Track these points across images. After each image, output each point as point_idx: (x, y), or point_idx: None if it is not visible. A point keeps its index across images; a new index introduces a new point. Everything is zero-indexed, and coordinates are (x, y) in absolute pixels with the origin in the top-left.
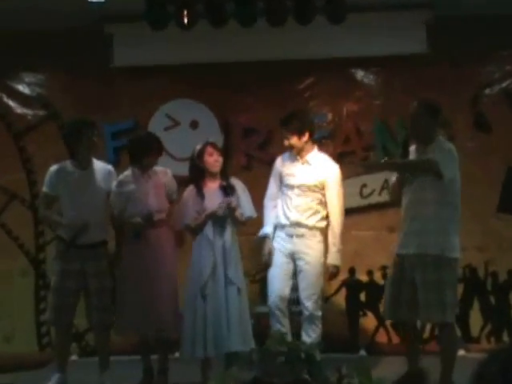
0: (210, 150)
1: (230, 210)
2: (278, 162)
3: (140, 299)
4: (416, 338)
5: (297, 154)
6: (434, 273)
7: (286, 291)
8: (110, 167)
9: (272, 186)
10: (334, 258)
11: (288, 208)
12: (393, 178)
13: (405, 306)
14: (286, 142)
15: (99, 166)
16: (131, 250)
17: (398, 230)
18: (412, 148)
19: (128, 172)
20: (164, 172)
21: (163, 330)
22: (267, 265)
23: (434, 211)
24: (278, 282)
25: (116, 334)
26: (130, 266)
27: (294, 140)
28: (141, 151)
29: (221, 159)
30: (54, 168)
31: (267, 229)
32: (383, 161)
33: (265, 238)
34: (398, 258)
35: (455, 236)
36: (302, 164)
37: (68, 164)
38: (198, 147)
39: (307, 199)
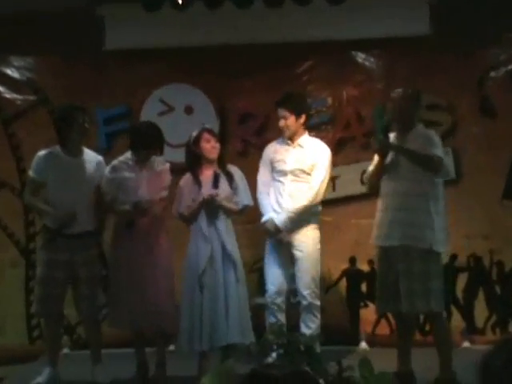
0: (206, 136)
1: (215, 203)
2: (269, 148)
3: (134, 292)
4: (407, 331)
5: (289, 137)
6: (419, 264)
7: (283, 284)
8: (100, 157)
9: (264, 174)
10: (280, 220)
11: (281, 195)
12: (370, 166)
13: (394, 298)
14: (282, 123)
15: (90, 155)
16: (123, 241)
17: (376, 220)
18: (392, 134)
19: (123, 158)
20: (161, 163)
21: (160, 326)
22: (283, 241)
23: (424, 204)
24: (274, 272)
25: (109, 326)
26: (123, 257)
27: (291, 121)
28: (140, 143)
29: (218, 146)
30: (42, 153)
31: (270, 214)
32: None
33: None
34: (382, 250)
35: (443, 229)
36: (294, 148)
37: (58, 149)
38: (195, 133)
39: (301, 185)
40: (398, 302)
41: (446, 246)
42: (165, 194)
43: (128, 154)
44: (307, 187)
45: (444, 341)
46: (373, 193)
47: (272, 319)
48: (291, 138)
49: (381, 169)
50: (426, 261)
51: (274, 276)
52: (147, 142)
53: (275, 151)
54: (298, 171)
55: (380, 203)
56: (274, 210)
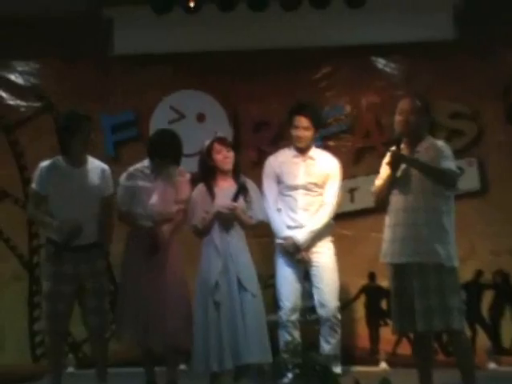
0: (217, 147)
1: (232, 216)
2: (272, 161)
3: (144, 307)
4: (426, 351)
5: (302, 150)
6: (433, 280)
7: (298, 300)
8: (104, 166)
9: (271, 188)
10: (301, 239)
11: (294, 211)
12: (377, 180)
13: (411, 317)
14: (301, 132)
15: (94, 164)
16: (135, 254)
17: (385, 236)
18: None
19: (139, 165)
20: (180, 172)
21: (172, 343)
22: (306, 261)
23: (436, 218)
24: (288, 289)
25: (117, 341)
26: (134, 270)
27: (310, 132)
28: (157, 152)
29: (231, 155)
30: (44, 164)
31: (287, 232)
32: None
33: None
34: (394, 268)
35: (454, 244)
36: (304, 161)
37: (60, 160)
38: (206, 143)
39: (314, 199)
40: (414, 321)
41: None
42: (181, 206)
43: (145, 162)
44: (320, 200)
45: (466, 360)
46: (380, 209)
47: (287, 337)
48: (305, 150)
49: (390, 183)
50: (440, 276)
51: (288, 292)
52: (164, 150)
53: (282, 164)
54: (311, 185)
55: (388, 219)
56: (288, 227)
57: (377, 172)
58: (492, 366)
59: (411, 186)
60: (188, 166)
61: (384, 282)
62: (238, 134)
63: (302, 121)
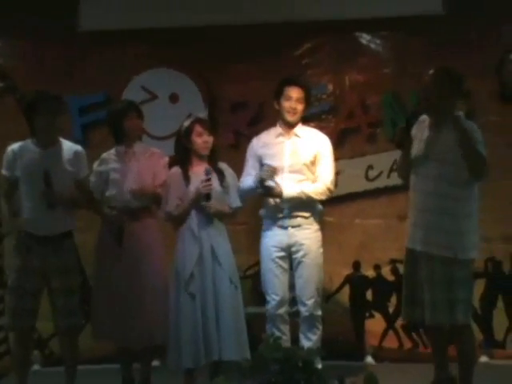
0: (199, 129)
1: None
2: (255, 143)
3: (121, 301)
4: (440, 340)
5: (288, 127)
6: (442, 272)
7: (286, 292)
8: (78, 147)
9: (250, 171)
10: (289, 190)
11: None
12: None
13: (420, 306)
14: (294, 104)
15: (66, 145)
16: (109, 245)
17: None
18: (424, 123)
19: (113, 150)
20: (157, 154)
21: (150, 339)
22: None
23: (452, 206)
24: (274, 281)
25: (93, 338)
26: (108, 262)
27: (302, 106)
28: (116, 117)
29: (211, 139)
30: (12, 147)
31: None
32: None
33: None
34: (408, 252)
35: (473, 235)
36: (289, 139)
37: (29, 143)
38: (186, 124)
39: (298, 182)
40: (421, 311)
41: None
42: (158, 191)
43: (121, 146)
44: (310, 183)
45: (469, 356)
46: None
47: (275, 332)
48: (289, 128)
49: (406, 162)
50: (449, 269)
51: (276, 284)
52: (119, 111)
53: (265, 145)
54: (297, 166)
55: (411, 198)
56: (274, 218)
57: (361, 155)
58: (484, 359)
59: (429, 169)
60: (161, 150)
61: (369, 272)
62: (213, 115)
63: (296, 91)
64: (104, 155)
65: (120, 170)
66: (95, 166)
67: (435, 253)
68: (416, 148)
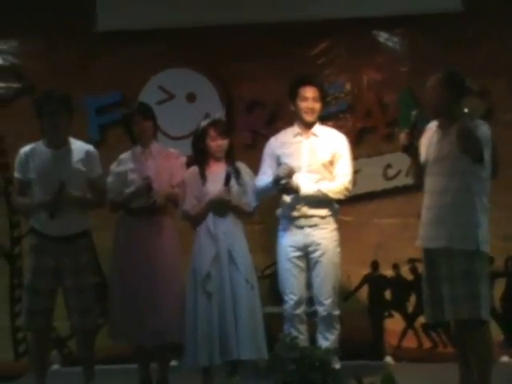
0: (212, 133)
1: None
2: (273, 142)
3: (138, 301)
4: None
5: (306, 126)
6: (463, 266)
7: (304, 292)
8: (89, 147)
9: (266, 171)
10: (306, 187)
11: (295, 197)
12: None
13: (441, 305)
14: (310, 104)
15: (77, 145)
16: (126, 244)
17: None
18: (432, 125)
19: (130, 151)
20: (175, 154)
21: (168, 338)
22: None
23: (469, 200)
24: (291, 281)
25: (110, 338)
26: (124, 261)
27: (319, 105)
28: (125, 122)
29: (225, 143)
30: (24, 149)
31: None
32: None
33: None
34: (425, 252)
35: (486, 228)
36: (307, 138)
37: (40, 144)
38: (202, 126)
39: (316, 182)
40: (443, 309)
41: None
42: (176, 190)
43: (137, 147)
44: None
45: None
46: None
47: (293, 332)
48: (307, 127)
49: (416, 166)
50: (469, 262)
51: (294, 284)
52: (130, 114)
53: (283, 144)
54: (316, 165)
55: (424, 200)
56: (292, 217)
57: (379, 154)
58: (504, 359)
59: (442, 167)
60: (178, 149)
61: (388, 271)
62: (230, 114)
63: (312, 91)
64: (122, 156)
65: (138, 170)
66: (113, 166)
67: (455, 246)
68: (427, 152)
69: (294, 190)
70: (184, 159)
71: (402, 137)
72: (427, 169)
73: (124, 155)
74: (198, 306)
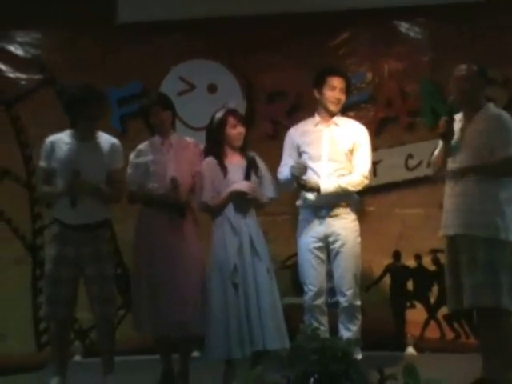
0: (232, 121)
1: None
2: (293, 132)
3: (161, 292)
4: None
5: (328, 115)
6: (483, 253)
7: (324, 283)
8: (115, 140)
9: (287, 161)
10: (326, 185)
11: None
12: (437, 148)
13: (463, 293)
14: (338, 94)
15: (103, 138)
16: (148, 235)
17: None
18: (458, 116)
19: (147, 141)
20: (193, 144)
21: (189, 329)
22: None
23: (491, 189)
24: (312, 272)
25: (134, 329)
26: (145, 252)
27: (344, 96)
28: (143, 113)
29: (244, 131)
30: (50, 139)
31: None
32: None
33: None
34: (448, 240)
35: (510, 215)
36: (328, 127)
37: (67, 135)
38: (219, 115)
39: (340, 171)
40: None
41: None
42: (197, 179)
43: (156, 137)
44: (347, 172)
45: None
46: (438, 180)
47: (314, 323)
48: (328, 117)
49: (447, 153)
50: (491, 250)
51: (314, 275)
52: (146, 105)
53: (303, 133)
54: (336, 153)
55: (446, 188)
56: (311, 206)
57: (401, 144)
58: None
59: (464, 156)
60: (199, 140)
61: (410, 261)
62: (251, 105)
63: (340, 81)
64: (140, 146)
65: (160, 161)
66: (132, 157)
67: (478, 234)
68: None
69: (314, 189)
70: (201, 147)
71: (441, 124)
72: (452, 156)
73: (142, 146)
74: (227, 299)
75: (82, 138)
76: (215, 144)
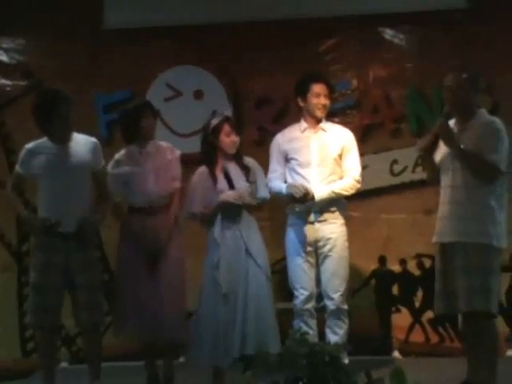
0: (227, 129)
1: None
2: (280, 138)
3: (144, 298)
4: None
5: (315, 121)
6: (477, 259)
7: (314, 287)
8: (94, 140)
9: (276, 168)
10: (320, 193)
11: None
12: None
13: (452, 299)
14: (323, 101)
15: (80, 138)
16: (131, 242)
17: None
18: (451, 122)
19: (123, 151)
20: (170, 149)
21: (174, 335)
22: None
23: (484, 197)
24: (302, 276)
25: (114, 335)
26: (130, 260)
27: (329, 101)
28: (132, 116)
29: (238, 139)
30: (28, 145)
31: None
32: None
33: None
34: (440, 247)
35: (502, 224)
36: (316, 133)
37: (45, 140)
38: (214, 122)
39: (329, 178)
40: (455, 303)
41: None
42: (177, 185)
43: (133, 146)
44: (336, 179)
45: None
46: (434, 183)
47: (303, 327)
48: (315, 123)
49: (434, 162)
50: (486, 257)
51: (305, 279)
52: (134, 111)
53: (291, 140)
54: (326, 158)
55: (441, 195)
56: (298, 211)
57: (386, 149)
58: (510, 353)
59: (456, 163)
60: (185, 147)
61: (395, 266)
62: (238, 111)
63: (324, 88)
64: (117, 157)
65: (139, 172)
66: (110, 168)
67: (471, 241)
68: (444, 147)
69: (309, 199)
70: (178, 153)
71: (439, 126)
72: (443, 164)
73: (119, 156)
74: (216, 309)
75: (60, 140)
76: (208, 152)
